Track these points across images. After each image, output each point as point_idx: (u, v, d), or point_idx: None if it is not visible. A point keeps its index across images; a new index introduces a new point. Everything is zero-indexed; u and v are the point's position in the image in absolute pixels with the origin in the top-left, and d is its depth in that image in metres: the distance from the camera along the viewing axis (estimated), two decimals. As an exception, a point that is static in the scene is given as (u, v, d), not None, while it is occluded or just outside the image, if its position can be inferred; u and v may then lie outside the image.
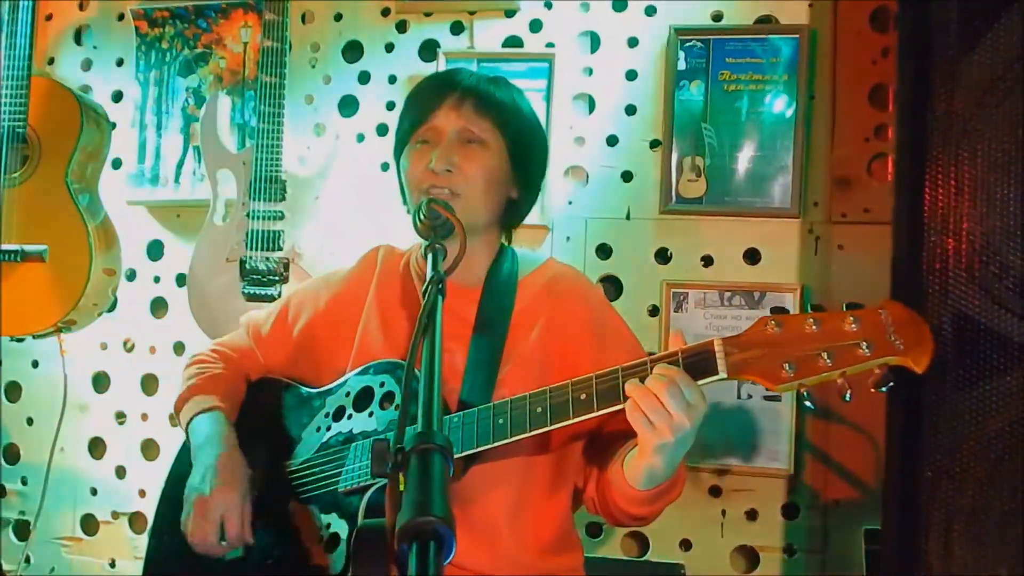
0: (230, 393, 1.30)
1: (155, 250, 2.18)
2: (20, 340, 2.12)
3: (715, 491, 1.85)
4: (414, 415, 0.71)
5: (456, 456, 1.06)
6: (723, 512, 1.84)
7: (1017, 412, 1.16)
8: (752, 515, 1.83)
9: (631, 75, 1.93)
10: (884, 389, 0.93)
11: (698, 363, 0.98)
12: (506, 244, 1.31)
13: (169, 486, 1.32)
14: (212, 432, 1.23)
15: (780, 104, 1.82)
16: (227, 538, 1.13)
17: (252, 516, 1.17)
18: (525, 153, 1.24)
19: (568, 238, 1.94)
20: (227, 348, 1.37)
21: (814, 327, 0.94)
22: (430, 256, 0.99)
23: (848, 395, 0.93)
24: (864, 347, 0.91)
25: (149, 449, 2.16)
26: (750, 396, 1.81)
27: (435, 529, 0.50)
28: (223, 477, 1.15)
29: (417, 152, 1.20)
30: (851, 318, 0.93)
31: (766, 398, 1.80)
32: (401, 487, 0.54)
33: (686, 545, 1.85)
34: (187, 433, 1.27)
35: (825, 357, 0.92)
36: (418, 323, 0.80)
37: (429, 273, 0.94)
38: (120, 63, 2.20)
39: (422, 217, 1.08)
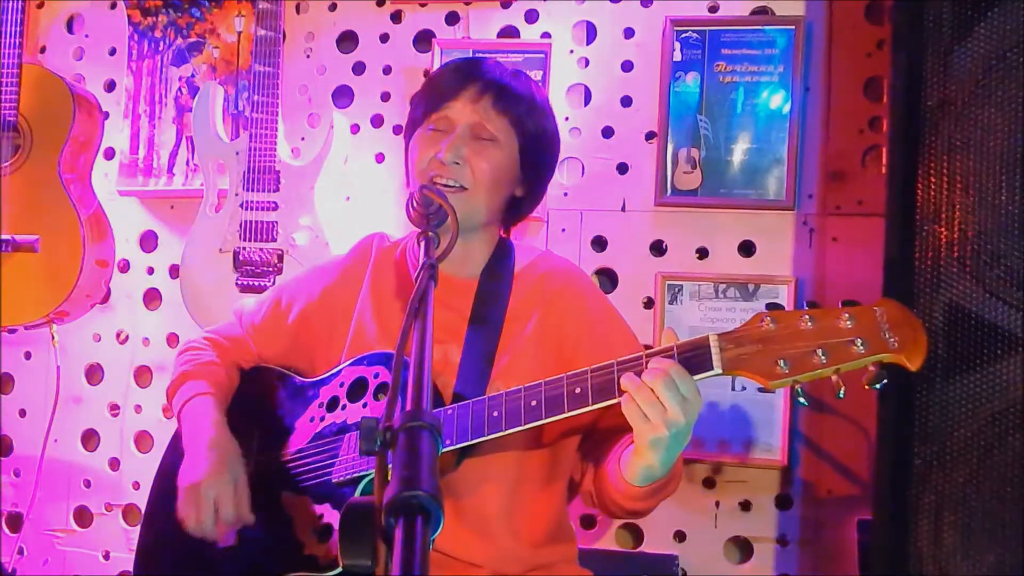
0: (222, 381, 1.30)
1: (148, 241, 2.17)
2: (12, 331, 2.11)
3: (709, 483, 1.85)
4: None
5: (450, 448, 1.07)
6: (717, 503, 1.85)
7: (1007, 400, 1.17)
8: (746, 506, 1.84)
9: (627, 66, 1.92)
10: (878, 387, 0.93)
11: (693, 358, 0.98)
12: (505, 237, 1.31)
13: (161, 477, 1.32)
14: (202, 418, 1.22)
15: (775, 96, 1.82)
16: (222, 520, 1.13)
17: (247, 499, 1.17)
18: (536, 154, 1.23)
19: (563, 230, 1.94)
20: (220, 337, 1.37)
21: (809, 324, 0.94)
22: (422, 243, 0.99)
23: (842, 392, 0.93)
24: (859, 344, 0.92)
25: (143, 441, 2.16)
26: (744, 388, 1.81)
27: (422, 503, 0.50)
28: (213, 461, 1.15)
29: (427, 138, 1.19)
30: (846, 315, 0.93)
31: (760, 390, 1.79)
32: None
33: (680, 536, 1.86)
34: (179, 420, 1.26)
35: (820, 354, 0.92)
36: (409, 308, 0.80)
37: (421, 259, 0.94)
38: (113, 52, 2.19)
39: (415, 204, 1.08)
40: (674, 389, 0.95)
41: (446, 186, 1.15)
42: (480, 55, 1.93)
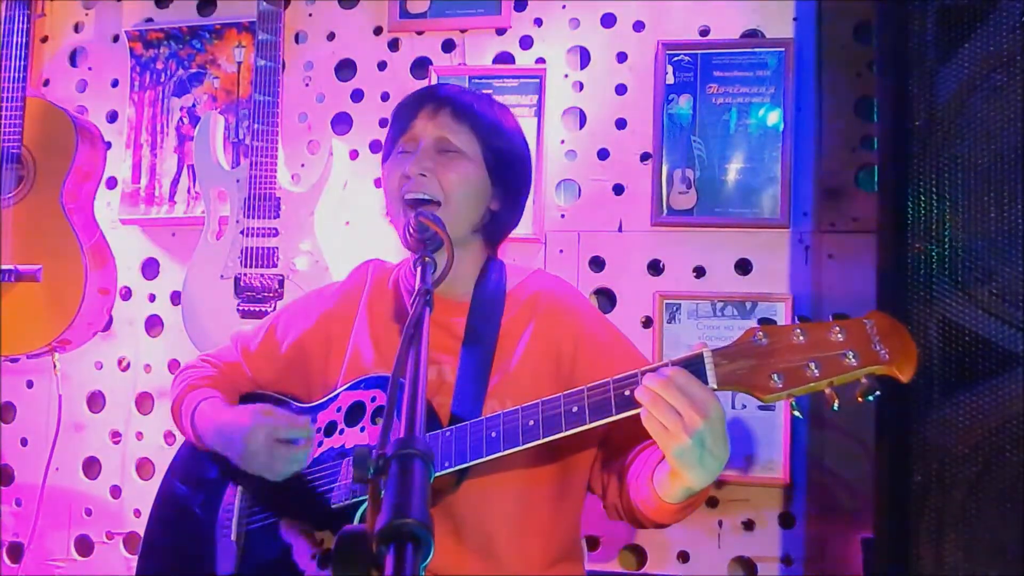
0: (227, 391, 1.31)
1: (150, 269, 2.19)
2: (14, 360, 2.12)
3: (712, 502, 1.84)
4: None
5: (449, 470, 1.07)
6: (720, 523, 1.84)
7: (1004, 416, 1.17)
8: (749, 525, 1.83)
9: (621, 90, 1.95)
10: (870, 399, 0.93)
11: None
12: (495, 257, 1.32)
13: (160, 503, 1.32)
14: (220, 410, 1.24)
15: (767, 116, 1.85)
16: (296, 440, 1.17)
17: (246, 527, 1.17)
18: (504, 164, 1.24)
19: (561, 251, 1.95)
20: (216, 360, 1.37)
21: (801, 338, 0.95)
22: (419, 269, 1.00)
23: (836, 405, 0.94)
24: (850, 357, 0.92)
25: (144, 468, 2.16)
26: (744, 406, 1.81)
27: (412, 531, 0.51)
28: (244, 421, 1.18)
29: (396, 161, 1.22)
30: (837, 328, 0.94)
31: (760, 408, 1.80)
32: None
33: (684, 557, 1.85)
34: (193, 427, 1.26)
35: (812, 367, 0.93)
36: (404, 334, 0.81)
37: (418, 285, 0.95)
38: (115, 84, 2.22)
39: (411, 231, 1.10)
40: (682, 392, 0.94)
41: (417, 199, 1.17)
42: (476, 81, 1.96)
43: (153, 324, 2.18)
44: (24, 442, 2.22)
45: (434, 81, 1.99)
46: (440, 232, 1.07)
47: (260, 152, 1.92)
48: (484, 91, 1.70)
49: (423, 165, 1.18)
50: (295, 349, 1.32)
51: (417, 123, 1.21)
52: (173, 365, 2.14)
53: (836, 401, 0.94)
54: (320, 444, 1.22)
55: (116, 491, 2.16)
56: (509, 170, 1.26)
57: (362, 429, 1.18)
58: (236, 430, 1.18)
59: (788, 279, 1.84)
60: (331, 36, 2.12)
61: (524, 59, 2.00)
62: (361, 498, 1.13)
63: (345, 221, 2.06)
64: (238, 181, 1.94)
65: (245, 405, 1.25)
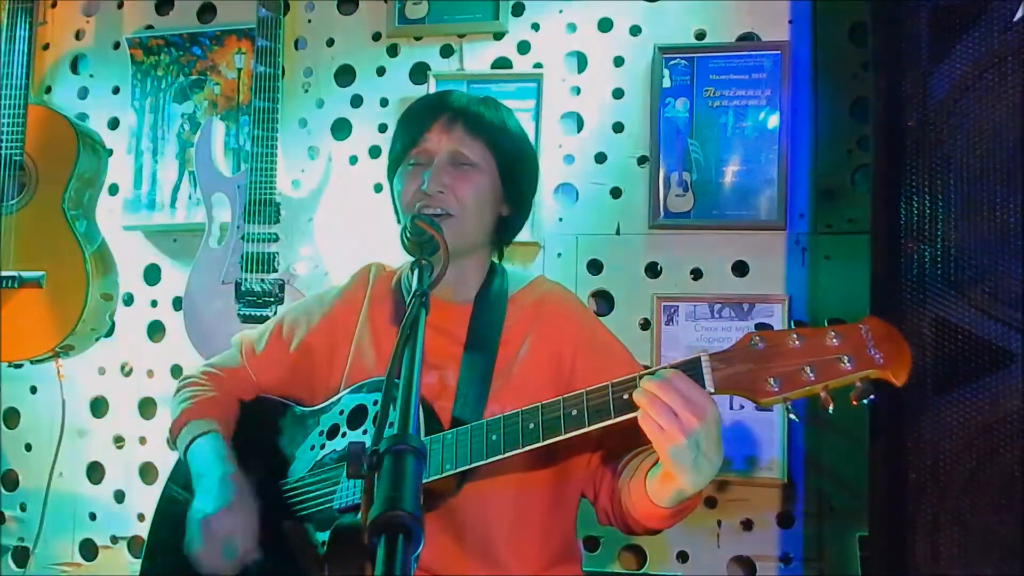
0: (225, 415, 1.31)
1: (152, 274, 2.21)
2: (18, 366, 2.13)
3: (710, 502, 1.85)
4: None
5: (450, 473, 1.08)
6: (719, 523, 1.85)
7: (997, 413, 1.18)
8: (748, 525, 1.84)
9: (617, 93, 1.96)
10: (866, 402, 0.95)
11: None
12: (497, 262, 1.34)
13: (162, 508, 1.33)
14: (213, 454, 1.24)
15: (764, 118, 1.86)
16: (237, 558, 1.14)
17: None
18: (516, 172, 1.26)
19: (559, 254, 1.97)
20: (218, 370, 1.38)
21: (797, 343, 0.96)
22: (416, 272, 1.02)
23: (831, 408, 0.95)
24: (845, 361, 0.94)
25: (148, 473, 2.17)
26: (742, 407, 1.82)
27: (403, 522, 0.52)
28: (228, 496, 1.16)
29: (409, 173, 1.23)
30: (832, 333, 0.95)
31: (758, 408, 1.81)
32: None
33: (683, 557, 1.86)
34: (185, 458, 1.27)
35: (808, 372, 0.94)
36: (400, 334, 0.82)
37: (414, 287, 0.97)
38: (116, 91, 2.24)
39: (408, 235, 1.11)
40: (679, 394, 0.95)
41: (434, 214, 1.18)
42: (474, 86, 1.98)
43: (155, 329, 2.20)
44: (28, 447, 2.23)
45: (433, 86, 2.01)
46: (436, 235, 1.08)
47: (260, 158, 1.94)
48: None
49: (441, 181, 1.19)
50: (300, 352, 1.33)
51: (431, 136, 1.21)
52: (176, 370, 2.16)
53: (831, 404, 0.95)
54: (323, 447, 1.23)
55: (120, 495, 2.17)
56: (520, 177, 1.28)
57: (364, 432, 1.19)
58: (223, 496, 1.15)
59: (785, 280, 1.85)
60: (330, 42, 2.14)
61: (522, 64, 2.01)
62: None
63: (345, 226, 2.07)
64: (239, 187, 1.96)
65: (237, 481, 1.20)
